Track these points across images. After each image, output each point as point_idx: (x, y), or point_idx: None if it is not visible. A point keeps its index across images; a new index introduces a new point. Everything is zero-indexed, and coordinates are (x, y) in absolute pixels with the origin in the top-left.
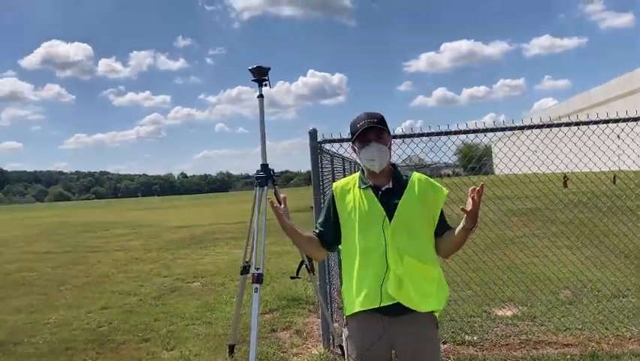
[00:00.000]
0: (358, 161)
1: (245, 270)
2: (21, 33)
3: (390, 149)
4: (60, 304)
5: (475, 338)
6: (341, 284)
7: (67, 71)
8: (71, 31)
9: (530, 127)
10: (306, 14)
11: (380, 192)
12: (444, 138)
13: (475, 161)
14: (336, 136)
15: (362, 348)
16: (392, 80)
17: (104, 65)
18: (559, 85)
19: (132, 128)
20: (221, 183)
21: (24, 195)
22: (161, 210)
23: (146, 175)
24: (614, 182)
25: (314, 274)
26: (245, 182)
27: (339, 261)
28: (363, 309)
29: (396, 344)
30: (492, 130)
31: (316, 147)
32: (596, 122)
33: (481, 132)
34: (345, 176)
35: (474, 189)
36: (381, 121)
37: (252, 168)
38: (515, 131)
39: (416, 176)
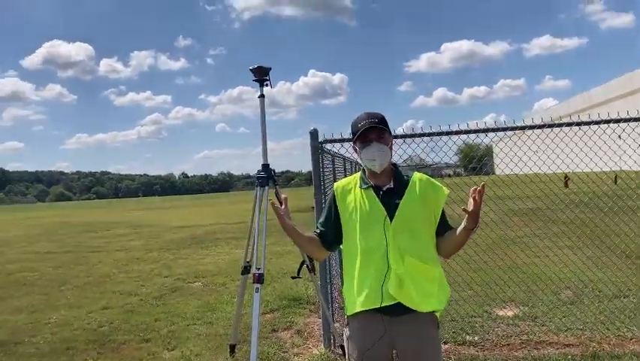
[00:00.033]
0: (359, 161)
1: (246, 270)
2: (22, 33)
3: (391, 149)
4: (61, 304)
5: (476, 338)
6: (342, 284)
7: (68, 71)
8: (73, 31)
9: (531, 127)
10: (307, 14)
11: (381, 192)
12: (445, 138)
13: (476, 161)
14: (337, 136)
15: (363, 348)
16: (393, 80)
17: (105, 65)
18: (559, 85)
19: (133, 128)
20: (222, 183)
21: (25, 195)
22: (162, 210)
23: (147, 175)
24: (616, 182)
25: (315, 274)
26: (246, 182)
27: (340, 261)
28: (364, 309)
29: (397, 344)
30: (493, 130)
31: (317, 147)
32: (596, 123)
33: (482, 132)
34: (346, 176)
35: (475, 189)
36: (382, 121)
37: (252, 168)
38: (516, 132)
39: (417, 176)
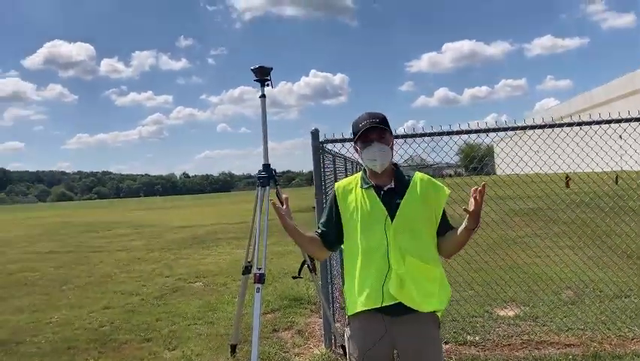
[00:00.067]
0: (360, 161)
1: (247, 270)
2: (23, 33)
3: (392, 149)
4: (62, 303)
5: (477, 338)
6: (343, 284)
7: (69, 71)
8: (74, 31)
9: (532, 127)
10: (308, 14)
11: (382, 192)
12: (446, 138)
13: (477, 161)
14: (338, 136)
15: (364, 348)
16: (394, 80)
17: (106, 65)
18: (560, 85)
19: (134, 129)
20: (224, 183)
21: (26, 195)
22: (163, 210)
23: (149, 175)
24: (617, 182)
25: (316, 273)
26: (247, 182)
27: (341, 260)
28: (365, 309)
29: (398, 344)
30: (494, 130)
31: (318, 147)
32: (598, 123)
33: (483, 132)
34: (347, 176)
35: (476, 189)
36: (383, 121)
37: (254, 168)
38: (517, 132)
39: (418, 176)
